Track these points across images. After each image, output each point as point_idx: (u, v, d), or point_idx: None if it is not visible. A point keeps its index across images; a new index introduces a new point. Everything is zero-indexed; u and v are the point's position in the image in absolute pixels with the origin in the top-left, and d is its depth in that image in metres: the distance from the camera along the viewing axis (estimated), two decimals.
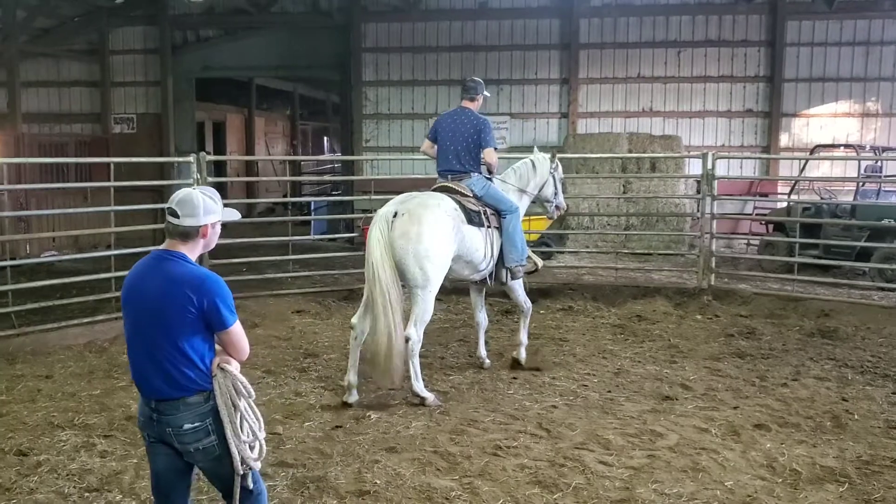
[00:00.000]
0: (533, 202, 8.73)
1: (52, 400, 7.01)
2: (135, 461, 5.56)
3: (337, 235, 16.46)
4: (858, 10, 17.67)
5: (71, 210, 13.98)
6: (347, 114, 20.17)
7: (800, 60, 18.06)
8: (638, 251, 14.79)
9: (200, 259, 9.67)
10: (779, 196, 16.90)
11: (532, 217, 11.47)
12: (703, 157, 11.69)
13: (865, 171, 13.94)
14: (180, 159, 11.95)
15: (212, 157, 11.29)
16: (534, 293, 11.13)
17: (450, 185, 7.66)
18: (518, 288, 8.22)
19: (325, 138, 35.57)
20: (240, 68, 21.54)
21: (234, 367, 3.70)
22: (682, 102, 18.51)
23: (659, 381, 7.69)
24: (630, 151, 16.89)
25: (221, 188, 20.85)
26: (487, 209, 7.65)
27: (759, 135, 18.36)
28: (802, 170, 15.57)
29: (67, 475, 5.38)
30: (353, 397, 6.93)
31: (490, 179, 7.89)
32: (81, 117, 20.54)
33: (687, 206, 15.69)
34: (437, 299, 10.65)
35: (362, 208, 13.61)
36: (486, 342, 8.46)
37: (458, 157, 7.70)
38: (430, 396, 7.03)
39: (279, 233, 14.60)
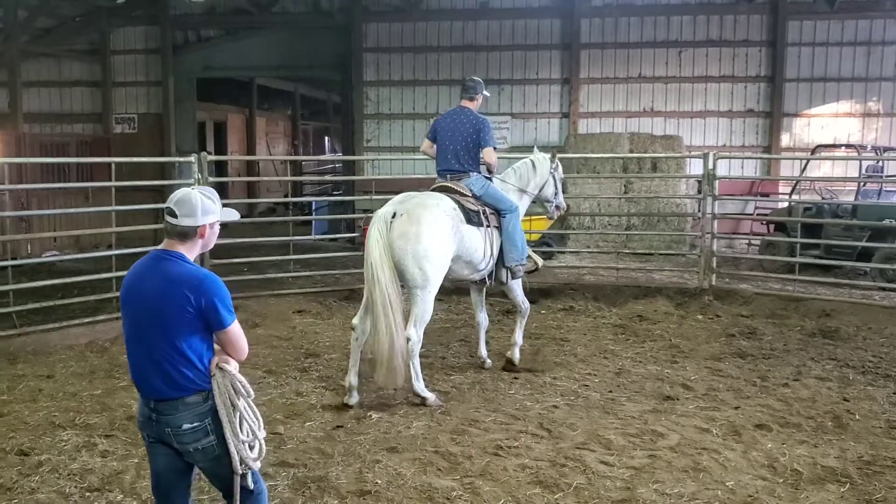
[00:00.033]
0: (533, 202, 8.72)
1: (53, 400, 7.02)
2: (136, 461, 5.56)
3: (338, 235, 16.47)
4: (860, 10, 17.67)
5: (72, 210, 13.98)
6: (348, 114, 20.17)
7: (801, 60, 18.06)
8: (639, 251, 14.78)
9: (201, 259, 9.60)
10: (780, 196, 16.90)
11: (533, 217, 11.47)
12: (705, 157, 11.68)
13: (867, 171, 13.94)
14: (181, 159, 11.94)
15: (213, 157, 11.29)
16: (535, 293, 11.17)
17: (449, 184, 7.65)
18: (517, 288, 8.21)
19: (326, 138, 35.57)
20: (241, 68, 21.54)
21: (232, 366, 3.69)
22: (683, 102, 18.51)
23: (660, 381, 7.69)
24: (631, 151, 16.89)
25: (222, 188, 20.91)
26: (487, 209, 7.64)
27: (760, 135, 18.36)
28: (803, 170, 15.55)
29: (69, 475, 5.39)
30: (354, 398, 6.92)
31: (489, 179, 7.89)
32: (82, 117, 20.55)
33: (688, 206, 15.69)
34: (438, 299, 10.68)
35: (363, 208, 13.61)
36: (487, 342, 8.46)
37: (458, 157, 7.69)
38: (430, 396, 7.02)
39: (280, 233, 14.60)
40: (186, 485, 3.86)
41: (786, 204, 14.81)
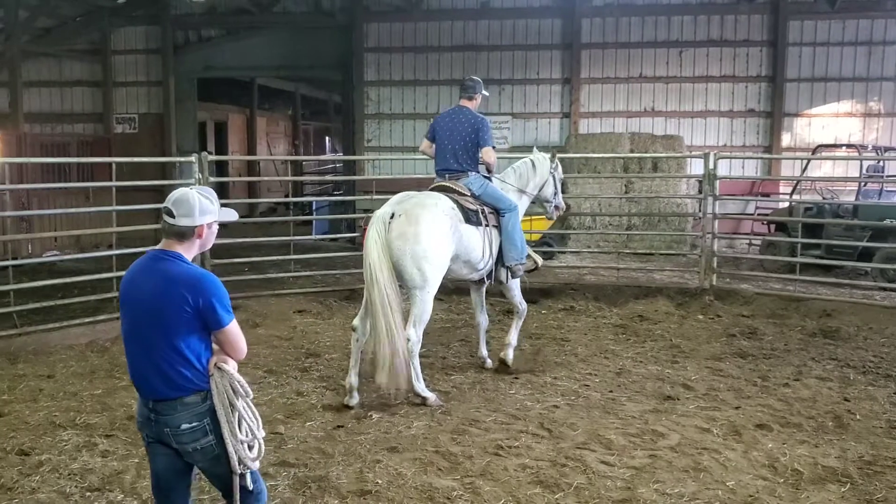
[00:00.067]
0: (532, 202, 8.71)
1: (53, 399, 7.02)
2: (136, 461, 5.56)
3: (338, 235, 16.47)
4: (861, 9, 17.65)
5: (73, 210, 13.98)
6: (349, 114, 20.17)
7: (802, 60, 18.05)
8: (640, 251, 14.77)
9: (201, 258, 9.61)
10: (781, 196, 16.89)
11: (534, 217, 11.46)
12: (705, 156, 11.68)
13: (867, 171, 13.93)
14: (182, 159, 11.95)
15: (213, 157, 11.30)
16: (535, 293, 11.18)
17: (447, 184, 7.64)
18: (515, 288, 8.19)
19: (327, 138, 35.57)
20: (242, 68, 21.54)
21: (231, 366, 3.69)
22: (683, 102, 18.51)
23: (661, 381, 7.69)
24: (632, 151, 16.90)
25: (223, 188, 20.95)
26: (485, 208, 7.62)
27: (760, 135, 18.36)
28: (804, 170, 15.55)
29: (69, 475, 5.39)
30: (355, 399, 6.91)
31: (488, 178, 7.87)
32: (83, 117, 20.55)
33: (689, 206, 15.69)
34: (439, 299, 10.70)
35: (364, 208, 13.60)
36: (488, 342, 8.45)
37: (456, 156, 7.68)
38: (431, 396, 7.02)
39: (281, 233, 14.62)
40: (186, 485, 3.86)
41: (786, 204, 14.80)
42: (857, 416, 6.64)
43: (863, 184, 13.71)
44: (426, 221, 6.98)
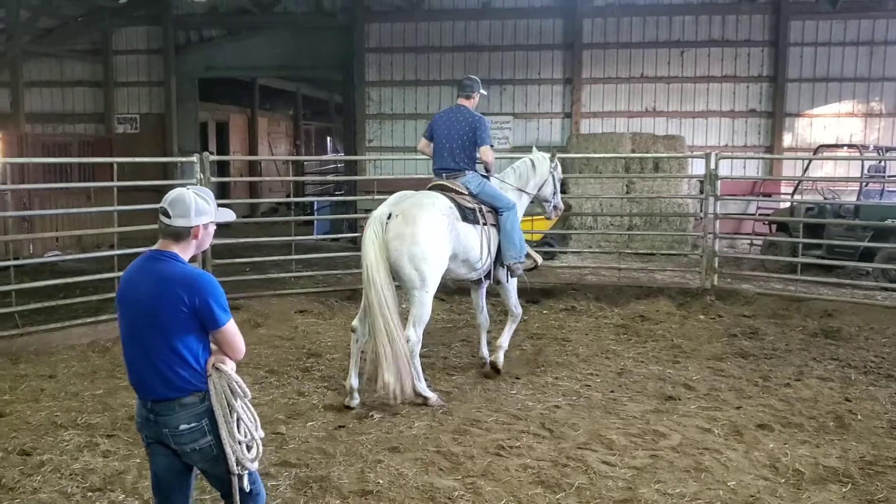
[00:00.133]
0: (532, 202, 8.69)
1: (55, 399, 7.03)
2: (137, 461, 5.56)
3: (340, 235, 16.46)
4: (862, 9, 17.63)
5: (74, 210, 13.98)
6: (350, 114, 20.17)
7: (803, 60, 18.03)
8: (641, 251, 14.77)
9: (203, 258, 9.63)
10: (782, 196, 16.87)
11: (535, 217, 11.46)
12: (707, 157, 11.67)
13: (869, 171, 13.92)
14: (184, 159, 11.95)
15: (215, 157, 11.28)
16: (536, 293, 11.18)
17: (445, 183, 7.62)
18: (512, 291, 8.15)
19: (328, 138, 35.57)
20: (243, 68, 21.54)
21: (229, 366, 3.68)
22: (685, 102, 18.50)
23: (662, 381, 7.69)
24: (633, 151, 16.90)
25: (225, 188, 20.98)
26: (483, 207, 7.58)
27: (762, 135, 18.34)
28: (806, 170, 15.57)
29: (70, 475, 5.40)
30: (356, 400, 6.90)
31: (486, 177, 7.85)
32: (85, 117, 20.56)
33: (690, 206, 15.68)
34: (440, 299, 10.74)
35: (365, 208, 13.60)
36: (489, 342, 8.44)
37: (454, 155, 7.65)
38: (432, 396, 7.02)
39: (282, 233, 14.62)
40: (186, 485, 3.86)
41: (788, 204, 14.79)
42: (859, 417, 6.64)
43: (864, 184, 13.69)
44: (423, 221, 6.96)
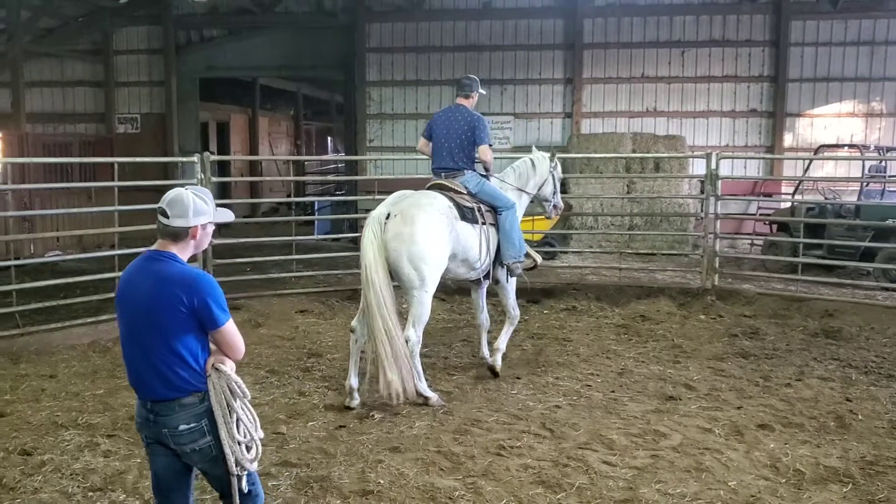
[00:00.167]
0: (531, 202, 8.68)
1: (55, 399, 7.03)
2: (138, 461, 5.56)
3: (340, 235, 16.45)
4: (863, 9, 17.63)
5: (75, 210, 13.98)
6: (351, 114, 20.18)
7: (804, 60, 18.03)
8: (642, 251, 14.78)
9: (203, 258, 9.62)
10: (783, 196, 16.87)
11: (535, 217, 11.46)
12: (707, 157, 11.67)
13: (870, 171, 13.91)
14: (184, 159, 11.95)
15: (216, 157, 11.27)
16: (537, 293, 11.19)
17: (444, 182, 7.60)
18: (511, 291, 8.12)
19: (329, 138, 35.59)
20: (244, 68, 21.54)
21: (228, 366, 3.68)
22: (685, 102, 18.50)
23: (662, 381, 7.68)
24: (634, 151, 16.91)
25: (225, 188, 20.99)
26: (482, 206, 7.56)
27: (762, 135, 18.34)
28: (806, 170, 15.56)
29: (71, 475, 5.40)
30: (356, 401, 6.89)
31: (485, 177, 7.84)
32: (85, 117, 20.57)
33: (691, 206, 15.68)
34: (441, 299, 10.74)
35: (366, 208, 13.58)
36: (489, 342, 8.43)
37: (452, 155, 7.63)
38: (433, 396, 7.01)
39: (283, 233, 14.63)
40: (187, 485, 3.85)
41: (789, 204, 14.78)
42: (859, 417, 6.63)
43: (865, 184, 13.69)
44: (422, 221, 6.93)
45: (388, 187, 12.33)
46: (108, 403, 6.89)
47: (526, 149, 9.25)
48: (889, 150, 15.33)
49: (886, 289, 11.75)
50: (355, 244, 14.73)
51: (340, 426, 6.44)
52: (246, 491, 3.74)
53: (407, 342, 6.84)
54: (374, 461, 5.63)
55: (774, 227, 14.85)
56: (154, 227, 3.72)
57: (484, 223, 7.51)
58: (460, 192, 7.50)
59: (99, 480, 5.32)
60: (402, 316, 7.19)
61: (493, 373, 7.81)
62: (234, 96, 25.81)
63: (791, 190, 15.72)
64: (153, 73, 20.33)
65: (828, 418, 6.58)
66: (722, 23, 18.21)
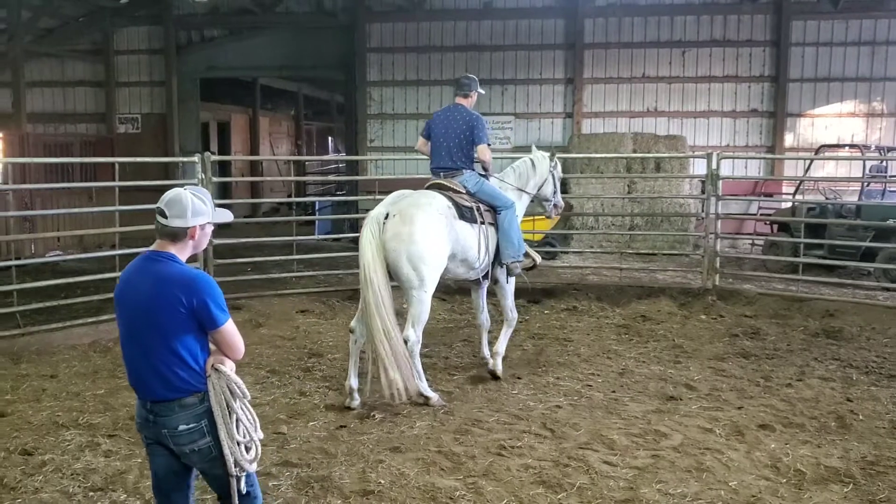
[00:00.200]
0: (532, 201, 8.66)
1: (56, 399, 7.03)
2: (139, 461, 5.56)
3: (341, 235, 16.41)
4: (864, 9, 17.64)
5: (76, 210, 13.98)
6: (352, 114, 20.19)
7: (805, 60, 18.04)
8: (642, 251, 14.78)
9: (204, 258, 9.59)
10: (783, 196, 16.86)
11: (536, 217, 11.46)
12: (708, 157, 11.66)
13: (870, 171, 13.90)
14: (185, 159, 11.96)
15: (216, 157, 11.27)
16: (538, 293, 11.19)
17: (443, 182, 7.58)
18: (509, 293, 8.09)
19: (330, 138, 35.60)
20: (244, 68, 21.56)
21: (228, 367, 3.67)
22: (686, 102, 18.51)
23: (663, 381, 7.68)
24: (635, 151, 16.91)
25: (226, 188, 20.99)
26: (481, 205, 7.54)
27: (763, 135, 18.35)
28: (807, 170, 15.58)
29: (72, 474, 5.40)
30: (356, 401, 6.88)
31: (484, 176, 7.83)
32: (86, 117, 20.59)
33: (691, 206, 15.68)
34: (441, 299, 10.74)
35: (366, 208, 13.55)
36: (490, 342, 8.43)
37: (451, 154, 7.60)
38: (434, 396, 7.01)
39: (283, 233, 14.62)
40: (187, 485, 3.85)
41: (789, 204, 14.78)
42: (860, 417, 6.63)
43: (866, 184, 13.69)
44: (421, 221, 6.91)
45: (388, 187, 12.32)
46: (108, 403, 6.89)
47: (527, 149, 9.23)
48: (890, 150, 15.33)
49: (887, 289, 11.74)
50: (356, 244, 14.64)
51: (341, 426, 6.44)
52: (244, 492, 3.73)
53: (406, 342, 6.83)
54: (375, 461, 5.63)
55: (775, 227, 14.85)
56: (154, 227, 3.72)
57: (483, 223, 7.48)
58: (459, 192, 7.48)
59: (100, 480, 5.32)
60: (402, 316, 7.18)
61: (495, 377, 7.77)
62: (235, 96, 25.82)
63: (792, 190, 15.71)
64: (154, 73, 20.35)
65: (828, 418, 6.58)
66: (723, 23, 18.22)
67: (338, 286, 11.98)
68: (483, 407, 6.91)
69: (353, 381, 6.93)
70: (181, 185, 3.81)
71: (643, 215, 16.23)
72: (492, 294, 8.25)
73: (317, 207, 21.11)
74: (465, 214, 7.34)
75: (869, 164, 13.88)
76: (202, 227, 3.69)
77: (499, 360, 7.88)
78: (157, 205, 3.64)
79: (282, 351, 8.77)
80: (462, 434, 6.22)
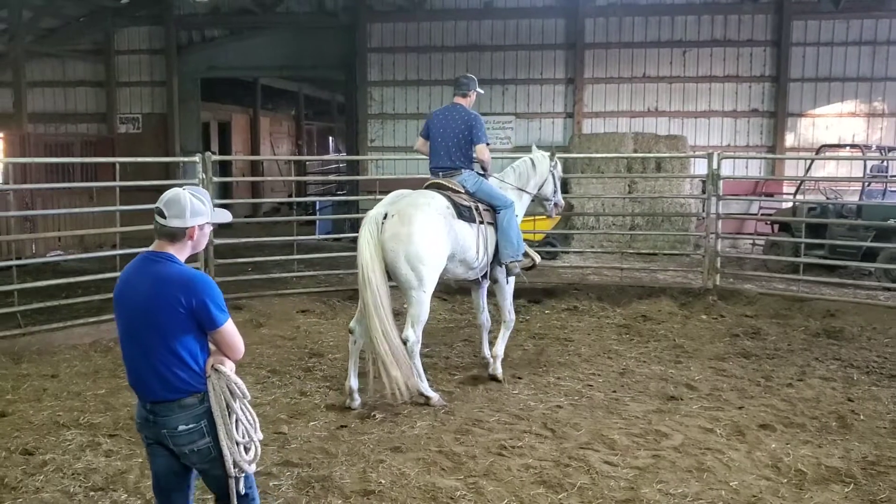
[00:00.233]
0: (532, 201, 8.65)
1: (57, 399, 7.03)
2: (140, 460, 5.56)
3: (342, 235, 16.39)
4: (865, 9, 17.64)
5: (76, 210, 13.98)
6: (352, 114, 20.20)
7: (805, 60, 18.05)
8: (643, 251, 14.79)
9: (205, 258, 9.59)
10: (784, 196, 16.86)
11: (537, 217, 11.45)
12: (709, 156, 11.66)
13: (871, 170, 13.90)
14: (186, 159, 11.96)
15: (217, 157, 11.28)
16: (538, 293, 11.19)
17: (441, 181, 7.56)
18: (508, 294, 8.05)
19: (330, 138, 35.59)
20: (245, 68, 21.57)
21: (228, 367, 3.67)
22: (687, 102, 18.51)
23: (664, 381, 7.68)
24: (635, 151, 16.91)
25: (227, 188, 21.00)
26: (480, 205, 7.51)
27: (764, 135, 18.36)
28: (808, 170, 15.57)
29: (73, 474, 5.40)
30: (356, 402, 6.87)
31: (483, 176, 7.81)
32: (87, 117, 20.61)
33: (692, 205, 15.67)
34: (442, 299, 10.74)
35: (367, 208, 13.53)
36: (490, 342, 8.42)
37: (450, 154, 7.58)
38: (434, 396, 7.00)
39: (284, 232, 14.62)
40: (187, 485, 3.85)
41: (790, 204, 14.78)
42: (861, 417, 6.63)
43: (866, 184, 13.69)
44: (419, 221, 6.89)
45: (389, 187, 12.30)
46: (109, 403, 6.89)
47: (527, 149, 9.22)
48: (891, 149, 15.33)
49: (888, 289, 11.73)
50: (356, 244, 14.77)
51: (342, 426, 6.44)
52: (243, 493, 3.73)
53: (406, 342, 6.82)
54: (376, 461, 5.63)
55: (776, 227, 14.84)
56: None
57: (482, 222, 7.45)
58: (458, 192, 7.46)
59: (100, 480, 5.32)
60: (403, 315, 7.17)
61: (496, 380, 7.72)
62: (236, 96, 25.83)
63: (793, 190, 15.71)
64: (155, 73, 20.37)
65: (829, 418, 6.58)
66: (723, 22, 18.22)
67: (338, 286, 11.97)
68: (484, 407, 6.91)
69: (353, 382, 6.93)
70: (180, 186, 3.80)
71: (644, 215, 16.22)
72: (492, 294, 8.24)
73: (317, 207, 21.11)
74: (463, 214, 7.31)
75: (870, 164, 13.87)
76: (201, 227, 3.68)
77: (498, 364, 7.84)
78: (156, 205, 3.63)
79: (282, 351, 8.77)
80: (463, 434, 6.22)
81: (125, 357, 3.72)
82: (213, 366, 3.64)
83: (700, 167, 16.01)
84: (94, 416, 6.57)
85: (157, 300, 3.53)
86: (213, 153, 12.13)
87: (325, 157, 32.29)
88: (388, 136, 19.33)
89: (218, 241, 10.77)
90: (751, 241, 15.79)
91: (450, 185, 7.48)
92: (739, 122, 18.40)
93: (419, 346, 7.05)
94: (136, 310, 3.59)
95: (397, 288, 7.12)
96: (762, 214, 15.76)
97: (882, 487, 5.26)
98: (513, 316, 8.17)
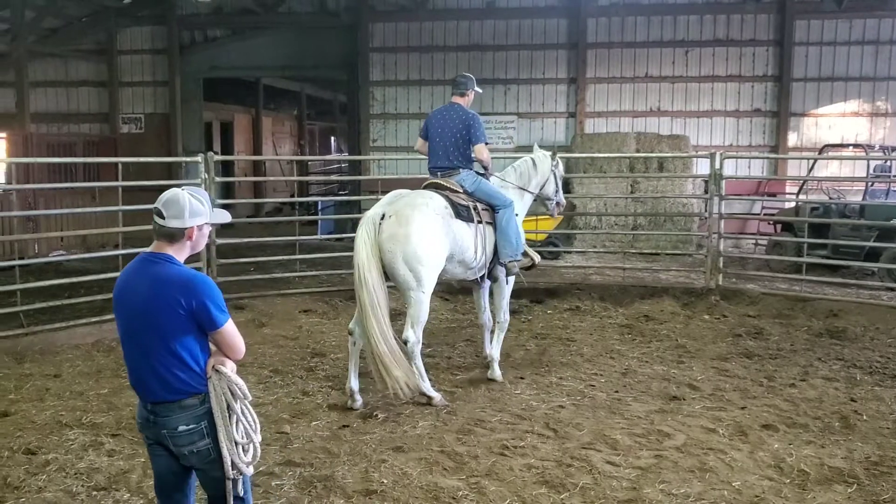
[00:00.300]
0: (534, 201, 8.63)
1: (60, 399, 7.04)
2: (142, 460, 5.56)
3: (344, 235, 16.26)
4: (867, 9, 17.62)
5: (79, 210, 13.99)
6: (355, 113, 20.22)
7: (808, 60, 18.03)
8: (645, 251, 14.77)
9: (207, 258, 9.60)
10: (787, 196, 16.85)
11: (539, 217, 11.45)
12: (711, 156, 11.65)
13: (874, 170, 13.89)
14: (188, 159, 11.97)
15: (219, 157, 11.29)
16: (540, 293, 11.19)
17: (440, 181, 7.54)
18: (506, 293, 7.98)
19: (333, 138, 35.60)
20: (247, 68, 21.59)
21: (229, 368, 3.66)
22: (689, 102, 18.50)
23: (666, 381, 7.67)
24: (638, 151, 16.90)
25: (229, 188, 21.02)
26: (479, 204, 7.48)
27: (767, 134, 18.34)
28: (811, 169, 15.53)
29: (75, 474, 5.40)
30: (357, 402, 6.86)
31: (483, 175, 7.79)
32: (89, 117, 20.64)
33: (695, 205, 15.67)
34: (444, 299, 10.74)
35: (369, 208, 13.57)
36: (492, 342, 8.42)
37: (448, 154, 7.56)
38: (436, 396, 7.00)
39: (286, 232, 14.61)
40: (188, 485, 3.85)
41: (793, 204, 14.76)
42: (864, 417, 6.61)
43: (870, 184, 13.67)
44: (417, 222, 6.85)
45: (391, 187, 12.28)
46: (112, 403, 6.89)
47: (529, 149, 9.21)
48: (894, 149, 15.29)
49: (891, 289, 11.72)
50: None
51: (344, 426, 6.44)
52: (241, 496, 3.72)
53: (406, 343, 6.81)
54: (378, 461, 5.63)
55: (779, 226, 14.83)
56: None
57: (480, 222, 7.42)
58: (456, 191, 7.43)
59: (103, 480, 5.32)
60: (403, 315, 7.16)
61: (495, 382, 7.70)
62: (238, 96, 25.85)
63: (795, 190, 15.70)
64: (157, 73, 20.40)
65: (832, 418, 6.57)
66: (726, 22, 18.21)
67: (340, 286, 11.96)
68: (486, 407, 6.91)
69: (354, 383, 6.92)
70: (179, 186, 3.79)
71: (646, 215, 16.22)
72: (492, 294, 8.23)
73: (319, 207, 21.10)
74: (461, 214, 7.27)
75: (873, 163, 13.86)
76: (199, 227, 3.67)
77: (495, 366, 7.79)
78: (155, 205, 3.62)
79: (285, 350, 8.76)
80: (465, 434, 6.21)
81: (126, 357, 3.72)
82: (213, 366, 3.64)
83: (702, 167, 16.01)
84: (96, 415, 6.57)
85: (157, 301, 3.52)
86: (216, 153, 12.15)
87: (328, 157, 32.29)
88: (391, 135, 19.34)
89: (220, 241, 10.77)
90: (753, 241, 15.78)
91: (448, 185, 7.46)
92: (742, 121, 18.39)
93: (420, 346, 7.03)
94: (135, 311, 3.59)
95: (395, 288, 7.10)
96: (765, 214, 15.75)
97: (885, 488, 5.25)
98: (507, 317, 8.09)
